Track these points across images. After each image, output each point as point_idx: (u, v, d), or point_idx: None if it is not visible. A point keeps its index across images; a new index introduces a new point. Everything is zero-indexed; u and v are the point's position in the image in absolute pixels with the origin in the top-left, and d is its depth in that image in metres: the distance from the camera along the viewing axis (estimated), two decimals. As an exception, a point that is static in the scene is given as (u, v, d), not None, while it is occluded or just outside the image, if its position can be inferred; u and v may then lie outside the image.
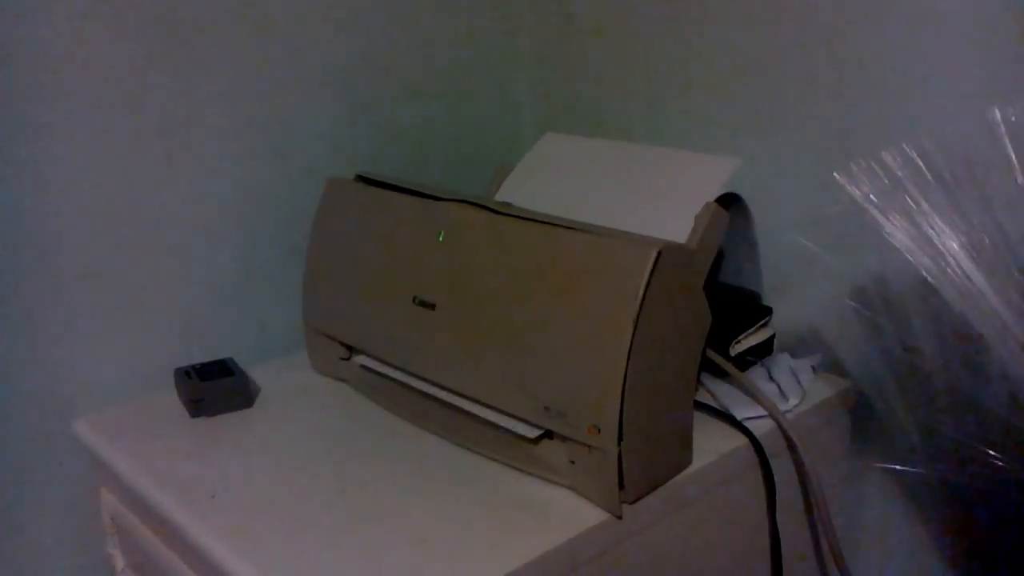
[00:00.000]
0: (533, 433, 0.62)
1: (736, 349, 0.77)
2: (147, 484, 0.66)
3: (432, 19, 0.94)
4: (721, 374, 0.76)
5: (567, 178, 0.81)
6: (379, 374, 0.74)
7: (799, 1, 0.77)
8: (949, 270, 0.52)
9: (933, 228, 0.52)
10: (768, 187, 0.81)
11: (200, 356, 0.81)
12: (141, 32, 0.75)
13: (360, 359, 0.77)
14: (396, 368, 0.73)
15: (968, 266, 0.51)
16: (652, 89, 0.91)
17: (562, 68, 1.00)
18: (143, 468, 0.67)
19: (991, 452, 0.68)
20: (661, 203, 0.72)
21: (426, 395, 0.70)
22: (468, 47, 0.98)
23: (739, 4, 0.81)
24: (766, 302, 0.82)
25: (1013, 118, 0.49)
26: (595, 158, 0.81)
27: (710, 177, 0.70)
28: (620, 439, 0.58)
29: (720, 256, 0.82)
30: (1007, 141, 0.49)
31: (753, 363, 0.79)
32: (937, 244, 0.52)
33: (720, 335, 0.75)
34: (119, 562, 0.76)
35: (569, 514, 0.60)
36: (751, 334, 0.79)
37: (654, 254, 0.57)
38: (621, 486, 0.59)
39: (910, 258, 0.53)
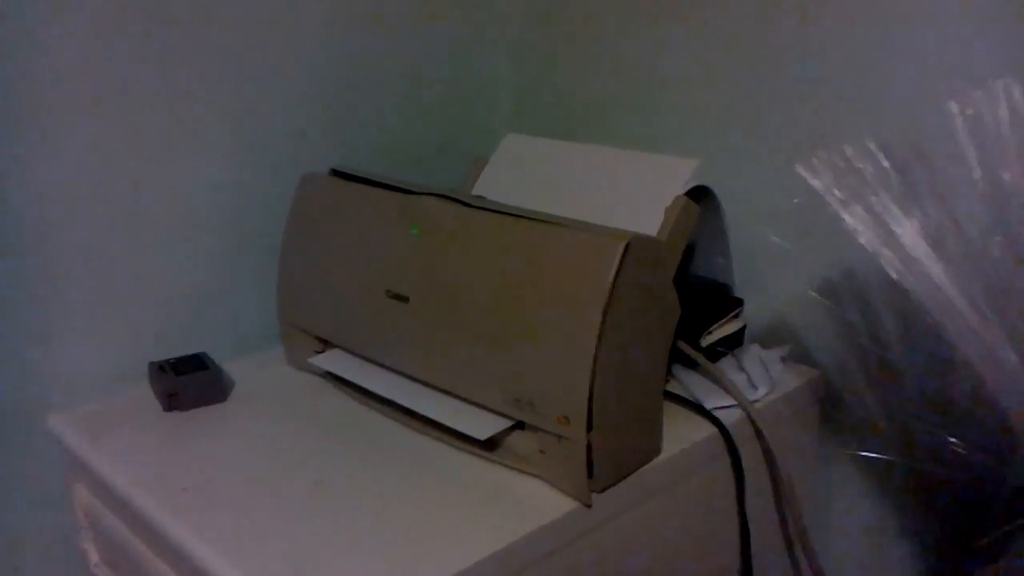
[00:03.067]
0: (484, 435, 0.63)
1: (707, 340, 0.78)
2: (120, 478, 0.66)
3: (409, 16, 0.94)
4: (693, 365, 0.77)
5: (534, 177, 0.81)
6: (344, 380, 0.75)
7: (767, 1, 0.78)
8: (909, 263, 0.53)
9: (893, 221, 0.53)
10: (738, 180, 0.82)
11: (175, 351, 0.81)
12: (122, 28, 0.75)
13: (324, 362, 0.77)
14: (367, 360, 0.74)
15: (927, 259, 0.52)
16: (626, 86, 0.92)
17: (539, 64, 1.00)
18: (117, 462, 0.68)
19: (953, 441, 0.69)
20: (629, 200, 0.73)
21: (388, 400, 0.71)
22: (444, 43, 0.98)
23: (710, 4, 0.82)
24: (737, 294, 0.83)
25: (970, 111, 0.50)
26: (558, 159, 0.81)
27: (671, 177, 0.71)
28: (589, 429, 0.58)
29: (691, 249, 0.82)
30: (964, 135, 0.50)
31: (724, 354, 0.80)
32: (897, 237, 0.53)
33: (691, 326, 0.76)
34: (93, 556, 0.76)
35: (539, 503, 0.61)
36: (722, 325, 0.80)
37: (623, 246, 0.58)
38: (590, 475, 0.60)
39: (871, 250, 0.54)
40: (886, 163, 0.53)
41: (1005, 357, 0.51)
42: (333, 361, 0.77)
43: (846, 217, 0.54)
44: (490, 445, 0.65)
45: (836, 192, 0.54)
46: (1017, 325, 0.50)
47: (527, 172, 0.82)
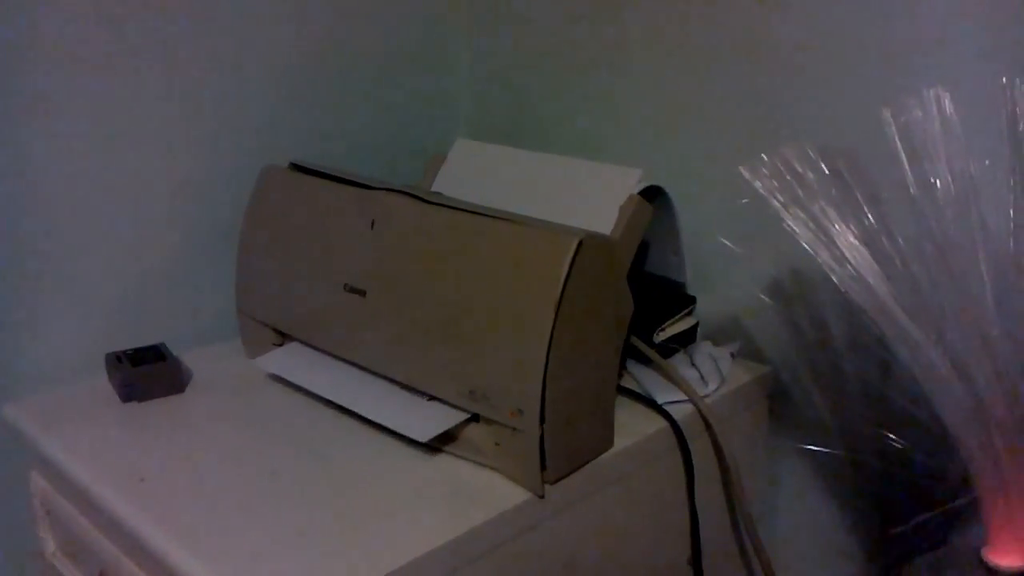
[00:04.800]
0: (424, 437, 0.64)
1: (660, 337, 0.80)
2: (77, 468, 0.66)
3: (370, 11, 0.95)
4: (646, 360, 0.79)
5: (487, 182, 0.83)
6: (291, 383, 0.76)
7: (715, 13, 0.80)
8: (846, 265, 0.55)
9: (831, 224, 0.55)
10: (690, 182, 0.84)
11: (132, 342, 0.81)
12: (80, 18, 0.75)
13: (270, 363, 0.77)
14: (325, 353, 0.75)
15: (863, 262, 0.54)
16: (580, 91, 0.93)
17: (496, 67, 1.02)
18: (73, 452, 0.68)
19: (893, 437, 0.72)
20: (579, 203, 0.74)
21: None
22: (405, 39, 0.99)
23: (660, 14, 0.84)
24: (690, 292, 0.85)
25: (903, 118, 0.52)
26: (508, 164, 0.83)
27: (616, 185, 0.73)
28: (542, 421, 0.60)
29: (646, 247, 0.84)
30: (897, 141, 0.52)
31: (676, 350, 0.82)
32: (835, 239, 0.55)
33: (645, 323, 0.78)
34: (49, 545, 0.77)
35: (493, 494, 0.62)
36: (675, 322, 0.82)
37: (575, 244, 0.59)
38: (543, 467, 0.62)
39: (811, 252, 0.56)
40: (824, 167, 0.55)
41: (935, 359, 0.53)
42: (281, 361, 0.77)
43: (787, 219, 0.56)
44: (446, 438, 0.66)
45: (778, 195, 0.56)
46: (945, 329, 0.52)
47: (479, 176, 0.83)
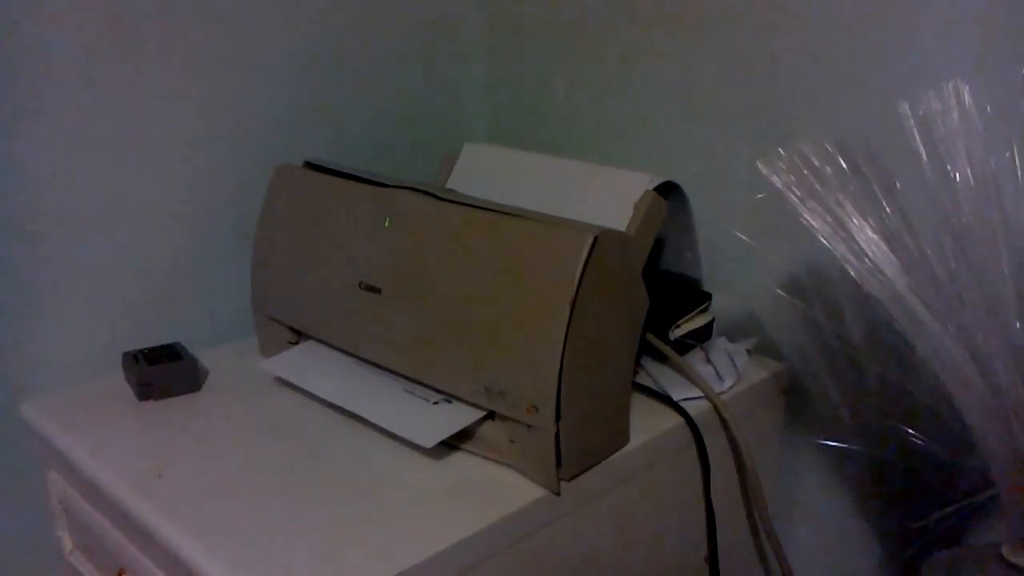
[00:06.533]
0: (429, 442, 0.64)
1: (676, 333, 0.80)
2: (94, 465, 0.67)
3: (384, 11, 0.95)
4: (661, 357, 0.78)
5: (498, 183, 0.83)
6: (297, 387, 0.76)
7: (730, 6, 0.79)
8: (866, 259, 0.55)
9: (849, 218, 0.54)
10: (705, 177, 0.84)
11: (149, 341, 0.82)
12: (95, 17, 0.75)
13: (275, 366, 0.77)
14: (340, 351, 0.75)
15: (882, 256, 0.54)
16: (596, 85, 0.93)
17: (511, 60, 1.01)
18: (91, 450, 0.68)
19: (912, 432, 0.71)
20: (591, 204, 0.74)
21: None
22: (419, 37, 0.99)
23: (674, 10, 0.84)
24: (706, 288, 0.85)
25: (921, 111, 0.52)
26: (517, 167, 0.83)
27: (631, 185, 0.73)
28: (558, 418, 0.60)
29: (661, 244, 0.84)
30: (916, 134, 0.52)
31: (692, 346, 0.81)
32: (853, 234, 0.54)
33: (660, 320, 0.78)
34: (67, 543, 0.77)
35: (509, 491, 0.62)
36: (691, 319, 0.82)
37: (591, 239, 0.59)
38: (559, 463, 0.61)
39: (829, 247, 0.56)
40: (842, 161, 0.55)
41: (956, 354, 0.53)
42: (288, 364, 0.77)
43: (805, 214, 0.56)
44: (461, 435, 0.66)
45: (795, 190, 0.56)
46: (964, 323, 0.52)
47: (491, 178, 0.83)
